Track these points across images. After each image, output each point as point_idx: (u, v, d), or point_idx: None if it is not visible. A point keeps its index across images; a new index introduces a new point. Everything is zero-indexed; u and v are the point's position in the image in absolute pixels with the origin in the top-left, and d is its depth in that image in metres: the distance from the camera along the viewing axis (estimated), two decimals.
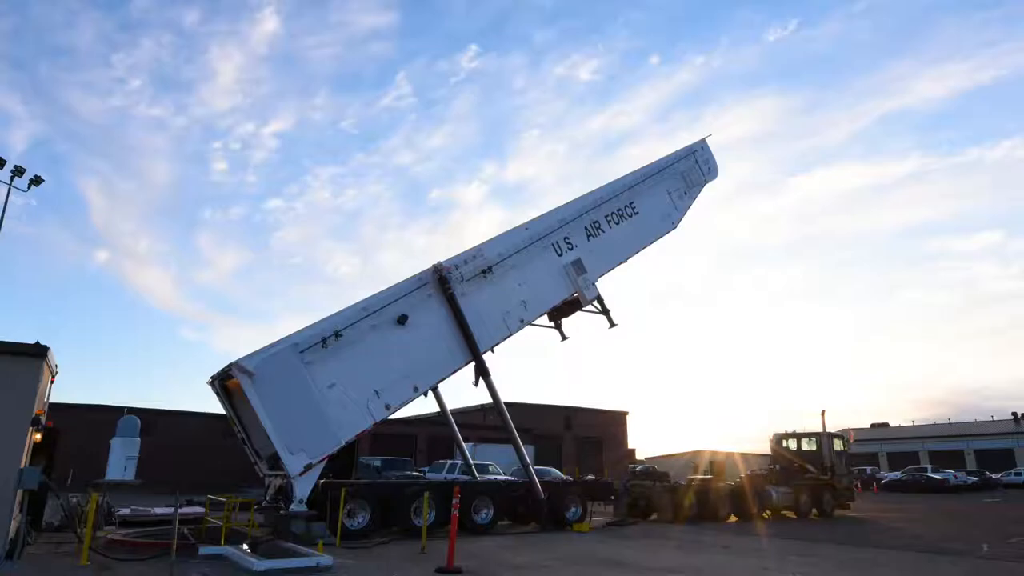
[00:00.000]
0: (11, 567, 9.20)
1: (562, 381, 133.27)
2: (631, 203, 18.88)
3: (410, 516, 13.87)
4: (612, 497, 19.78)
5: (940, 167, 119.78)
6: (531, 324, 16.53)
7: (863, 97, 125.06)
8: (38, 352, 10.33)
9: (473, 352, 14.81)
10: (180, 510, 11.19)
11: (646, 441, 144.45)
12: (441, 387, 15.39)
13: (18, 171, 28.37)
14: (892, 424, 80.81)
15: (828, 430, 24.35)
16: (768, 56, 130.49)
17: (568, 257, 16.87)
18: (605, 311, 17.95)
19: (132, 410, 14.89)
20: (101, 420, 21.10)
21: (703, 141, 21.99)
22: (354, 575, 9.51)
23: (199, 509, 15.30)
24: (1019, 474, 50.15)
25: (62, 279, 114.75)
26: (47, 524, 13.14)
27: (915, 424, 77.84)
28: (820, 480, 22.87)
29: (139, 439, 13.38)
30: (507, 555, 11.70)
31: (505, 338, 15.64)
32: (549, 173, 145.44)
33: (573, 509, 16.71)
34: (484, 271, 15.21)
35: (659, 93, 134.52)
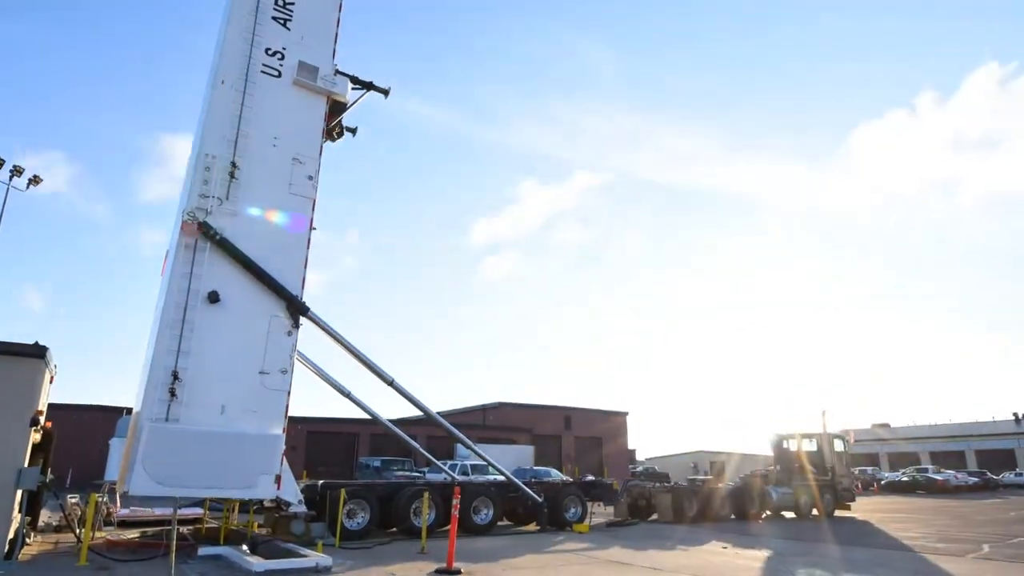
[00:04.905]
0: (9, 567, 9.19)
1: (562, 381, 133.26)
2: None
3: (410, 516, 13.86)
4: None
5: None
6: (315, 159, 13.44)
7: None
8: (37, 352, 10.37)
9: (270, 286, 12.06)
10: (179, 510, 11.19)
11: (646, 441, 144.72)
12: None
13: (16, 171, 28.46)
14: (893, 424, 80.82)
15: (829, 430, 24.36)
16: None
17: (288, 70, 13.49)
18: (368, 86, 15.08)
19: (131, 411, 14.85)
20: (100, 421, 21.16)
21: None
22: None
23: (198, 510, 15.28)
24: (1020, 474, 50.19)
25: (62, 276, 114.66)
26: (45, 525, 13.14)
27: (916, 424, 77.83)
28: (821, 480, 22.85)
29: None
30: (507, 555, 11.69)
31: (313, 202, 13.12)
32: None
33: (573, 509, 16.71)
34: (230, 173, 12.21)
35: None
